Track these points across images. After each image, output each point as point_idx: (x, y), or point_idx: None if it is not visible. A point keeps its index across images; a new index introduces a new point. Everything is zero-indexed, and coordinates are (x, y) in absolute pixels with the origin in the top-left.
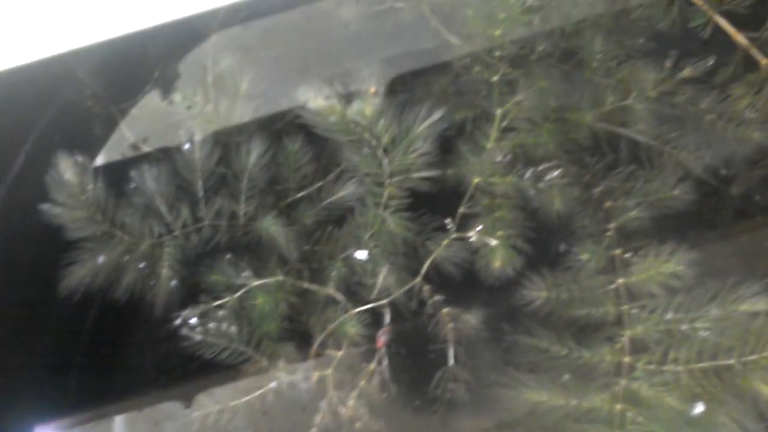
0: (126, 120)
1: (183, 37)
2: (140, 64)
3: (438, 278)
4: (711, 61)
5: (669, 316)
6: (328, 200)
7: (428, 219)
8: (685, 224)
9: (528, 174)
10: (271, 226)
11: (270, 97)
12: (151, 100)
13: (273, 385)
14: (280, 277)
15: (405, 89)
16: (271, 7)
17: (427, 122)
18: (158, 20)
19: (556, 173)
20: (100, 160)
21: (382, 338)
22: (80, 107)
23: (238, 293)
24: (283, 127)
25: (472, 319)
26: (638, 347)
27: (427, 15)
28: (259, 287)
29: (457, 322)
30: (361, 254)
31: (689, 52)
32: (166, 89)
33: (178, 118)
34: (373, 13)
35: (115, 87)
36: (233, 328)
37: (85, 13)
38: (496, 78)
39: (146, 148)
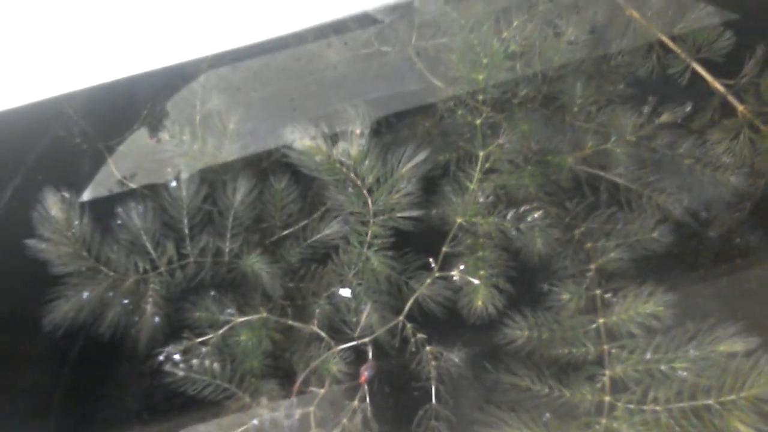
0: (113, 157)
1: (172, 76)
2: (129, 103)
3: (421, 316)
4: (689, 107)
5: (648, 356)
6: (313, 238)
7: (412, 258)
8: (665, 266)
9: (510, 215)
10: (256, 264)
11: (257, 137)
12: (139, 138)
13: (255, 422)
14: (264, 314)
15: (390, 131)
16: (259, 48)
17: (411, 163)
18: (147, 67)
19: (537, 214)
20: (87, 196)
21: (365, 374)
22: (69, 144)
23: (222, 330)
24: (269, 166)
25: (455, 357)
26: (619, 387)
27: (413, 59)
28: (243, 324)
29: (440, 361)
30: (345, 292)
31: (668, 98)
32: (154, 127)
33: (166, 156)
34: (361, 55)
35: (104, 125)
36: (216, 365)
37: (75, 59)
38: (479, 121)
39: (133, 185)
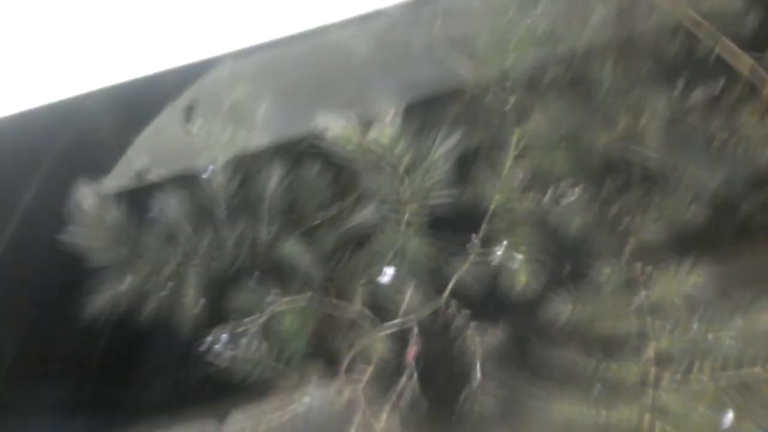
0: (145, 148)
1: (198, 68)
2: (156, 94)
3: (463, 295)
4: (721, 84)
5: (693, 327)
6: (348, 223)
7: (448, 238)
8: (702, 240)
9: (547, 194)
10: (294, 248)
11: (286, 125)
12: (169, 129)
13: (306, 400)
14: (305, 300)
15: (420, 116)
16: (286, 38)
17: (445, 146)
18: (173, 63)
19: (574, 192)
20: (119, 188)
21: (412, 350)
22: (96, 138)
23: (266, 313)
24: (300, 153)
25: (499, 334)
26: (664, 359)
27: (439, 45)
28: (287, 306)
29: (484, 338)
30: (387, 273)
31: (696, 76)
32: (184, 119)
33: (196, 147)
34: (387, 43)
35: (131, 119)
36: (262, 347)
37: (101, 56)
38: (509, 104)
39: (165, 176)
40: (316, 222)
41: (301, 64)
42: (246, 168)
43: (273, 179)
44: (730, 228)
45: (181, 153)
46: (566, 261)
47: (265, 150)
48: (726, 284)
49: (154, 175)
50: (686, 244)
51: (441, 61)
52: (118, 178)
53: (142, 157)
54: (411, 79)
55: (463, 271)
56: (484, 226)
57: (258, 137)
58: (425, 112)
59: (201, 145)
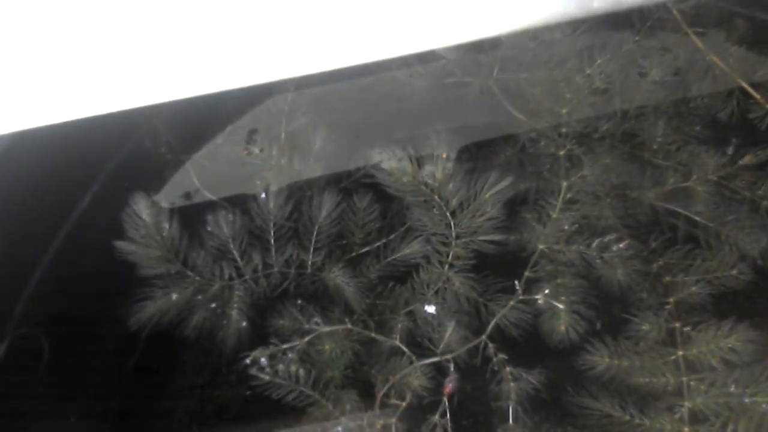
0: (200, 168)
1: (261, 94)
2: (216, 116)
3: (502, 338)
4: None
5: (732, 388)
6: (394, 256)
7: (491, 281)
8: (743, 303)
9: (595, 243)
10: (339, 277)
11: (340, 157)
12: (227, 150)
13: (339, 430)
14: (349, 325)
15: (472, 158)
16: (347, 72)
17: (496, 188)
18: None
19: (622, 244)
20: (174, 203)
21: (449, 386)
22: (153, 153)
23: (307, 338)
24: (351, 184)
25: (535, 379)
26: (698, 418)
27: (494, 90)
28: (327, 334)
29: (519, 382)
30: (429, 309)
31: (746, 141)
32: (240, 142)
33: (252, 170)
34: (444, 84)
35: (190, 136)
36: (301, 371)
37: (166, 71)
38: (562, 152)
39: (220, 196)
40: (362, 252)
41: (358, 98)
42: (299, 195)
43: (324, 208)
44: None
45: (238, 175)
46: (605, 313)
47: (319, 179)
48: (764, 349)
49: (208, 194)
50: (726, 307)
51: (496, 106)
52: (173, 193)
53: (199, 175)
54: (466, 122)
55: (503, 315)
56: (527, 272)
57: (313, 166)
58: (478, 155)
59: (258, 168)
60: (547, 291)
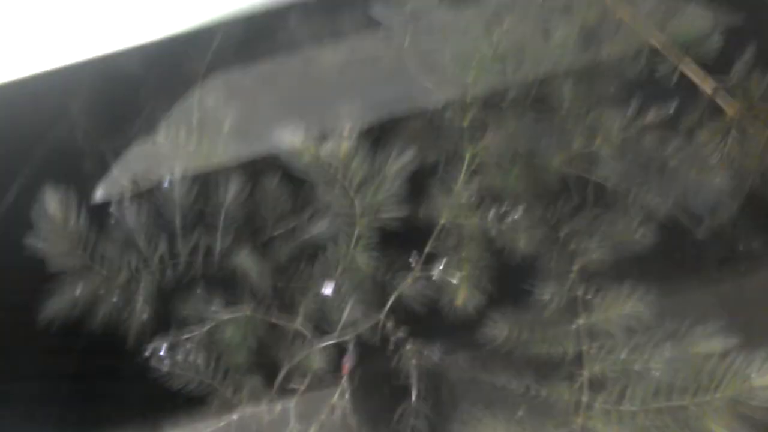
0: (111, 157)
1: (172, 78)
2: (130, 103)
3: (402, 315)
4: (672, 107)
5: (623, 355)
6: (301, 238)
7: (397, 257)
8: (648, 267)
9: (491, 214)
10: (245, 262)
11: (252, 138)
12: (135, 138)
13: (235, 417)
14: (249, 311)
15: (379, 132)
16: (255, 52)
17: (398, 163)
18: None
19: (520, 214)
20: (84, 195)
21: (346, 365)
22: (69, 144)
23: (207, 326)
24: (261, 167)
25: (435, 354)
26: (597, 386)
27: (407, 62)
28: (228, 321)
29: (420, 358)
30: (327, 290)
31: (657, 99)
32: (153, 128)
33: (161, 157)
34: (354, 60)
35: (104, 125)
36: (201, 360)
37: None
38: (466, 122)
39: (129, 185)
40: (272, 235)
41: (270, 77)
42: (206, 180)
43: (231, 191)
44: (677, 255)
45: (148, 162)
46: (508, 284)
47: (227, 162)
48: (667, 312)
49: (118, 183)
50: (630, 272)
51: (407, 79)
52: (86, 185)
53: (112, 164)
54: (376, 97)
55: (404, 288)
56: (429, 242)
57: (221, 149)
58: (386, 129)
59: (166, 155)
60: (442, 265)
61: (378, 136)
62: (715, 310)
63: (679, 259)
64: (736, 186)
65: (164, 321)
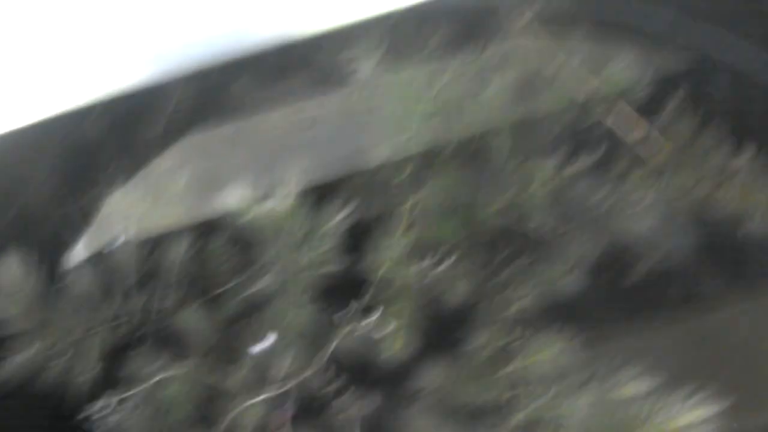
0: (70, 218)
1: (132, 137)
2: (90, 164)
3: (342, 362)
4: (598, 155)
5: (550, 401)
6: (246, 293)
7: (337, 308)
8: (579, 312)
9: (428, 264)
10: (191, 318)
11: (202, 198)
12: (95, 199)
13: None
14: (192, 367)
15: (323, 189)
16: (208, 112)
17: (338, 218)
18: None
19: (454, 263)
20: (42, 256)
21: (282, 417)
22: (29, 205)
23: (151, 382)
24: (211, 226)
25: (372, 403)
26: (529, 428)
27: (351, 120)
28: (172, 377)
29: (358, 407)
30: (267, 343)
31: (590, 146)
32: (110, 189)
33: (116, 218)
34: (302, 119)
35: (66, 185)
36: (143, 417)
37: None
38: (404, 176)
39: (84, 246)
40: (219, 291)
41: (219, 142)
42: (157, 239)
43: (180, 250)
44: (609, 299)
45: (104, 222)
46: (442, 332)
47: (179, 223)
48: (596, 355)
49: (75, 244)
50: (563, 315)
51: (352, 137)
52: (46, 244)
53: (77, 226)
54: (322, 155)
55: (342, 338)
56: (367, 294)
57: (173, 209)
58: (330, 186)
59: (121, 214)
60: (377, 315)
61: (321, 193)
62: (644, 352)
63: (610, 303)
64: (666, 229)
65: (112, 379)
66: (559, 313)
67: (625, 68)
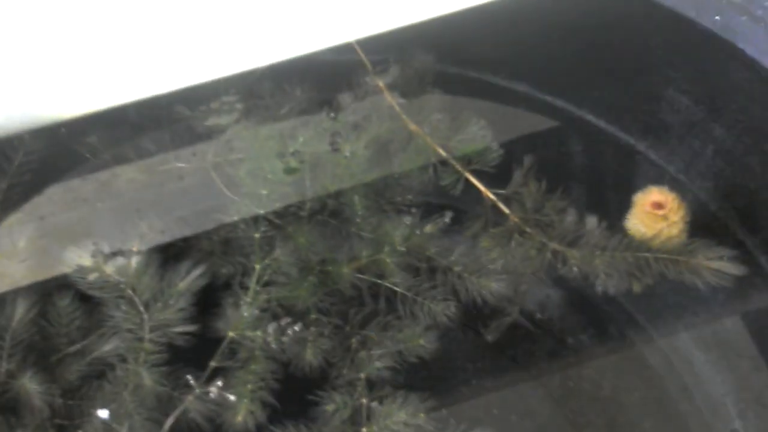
0: None
1: None
2: None
3: None
4: (448, 216)
5: None
6: (91, 356)
7: (185, 373)
8: (434, 372)
9: (279, 327)
10: (28, 384)
11: (46, 256)
12: None
13: None
14: None
15: (175, 248)
16: (56, 168)
17: (188, 279)
18: None
19: (297, 326)
20: None
21: None
22: None
23: None
24: (54, 286)
25: None
26: None
27: (210, 175)
28: None
29: None
30: (104, 413)
31: (444, 207)
32: None
33: None
34: (156, 175)
35: None
36: None
37: None
38: (258, 234)
39: None
40: (62, 355)
41: (70, 198)
42: None
43: (18, 311)
44: (461, 359)
45: None
46: (295, 397)
47: (19, 283)
48: (449, 417)
49: None
50: (417, 376)
51: (208, 195)
52: None
53: None
54: (177, 212)
55: (186, 405)
56: (213, 361)
57: (15, 267)
58: (182, 244)
59: None
60: (220, 382)
61: (173, 252)
62: (509, 408)
63: (465, 363)
64: (517, 289)
65: None
66: (417, 373)
67: (475, 135)
